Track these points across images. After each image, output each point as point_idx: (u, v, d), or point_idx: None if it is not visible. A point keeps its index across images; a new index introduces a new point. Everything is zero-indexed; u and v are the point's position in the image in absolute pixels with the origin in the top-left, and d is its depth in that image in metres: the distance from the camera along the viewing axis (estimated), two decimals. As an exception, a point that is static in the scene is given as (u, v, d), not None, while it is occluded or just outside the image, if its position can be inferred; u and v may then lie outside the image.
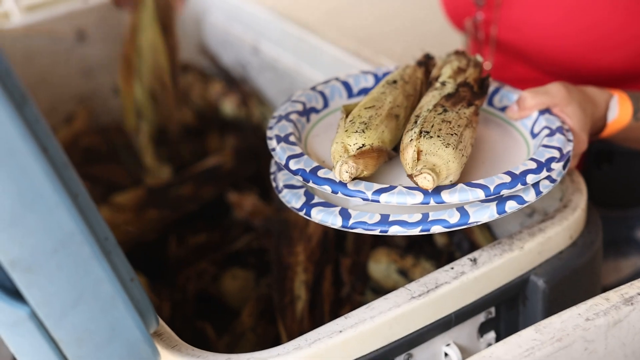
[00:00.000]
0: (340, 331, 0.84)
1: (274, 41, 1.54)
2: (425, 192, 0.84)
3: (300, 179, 0.89)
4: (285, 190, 0.94)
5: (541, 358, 0.77)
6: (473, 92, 0.96)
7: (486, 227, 1.16)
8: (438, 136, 0.86)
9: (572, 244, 0.97)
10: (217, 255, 1.32)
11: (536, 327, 0.80)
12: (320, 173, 0.89)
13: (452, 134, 0.87)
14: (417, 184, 0.83)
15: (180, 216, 1.40)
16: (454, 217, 0.85)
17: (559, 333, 0.79)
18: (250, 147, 1.50)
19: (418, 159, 0.85)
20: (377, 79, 1.08)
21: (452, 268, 0.90)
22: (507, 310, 0.96)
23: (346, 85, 1.07)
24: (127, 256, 1.15)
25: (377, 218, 0.86)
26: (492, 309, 0.94)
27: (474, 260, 0.91)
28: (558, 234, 0.95)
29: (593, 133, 1.07)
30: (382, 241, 1.20)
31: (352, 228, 0.87)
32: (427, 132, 0.87)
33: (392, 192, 0.84)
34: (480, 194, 0.84)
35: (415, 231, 0.85)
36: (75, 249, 0.63)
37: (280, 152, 0.92)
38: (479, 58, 1.03)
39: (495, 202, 0.86)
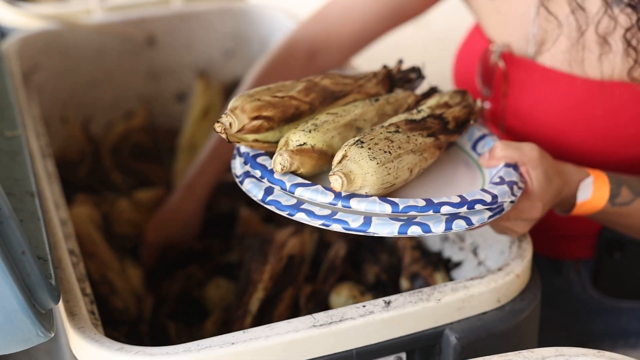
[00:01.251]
0: (233, 343, 0.88)
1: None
2: (337, 194, 0.88)
3: (243, 160, 0.95)
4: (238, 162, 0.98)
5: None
6: (443, 127, 0.98)
7: (448, 276, 1.16)
8: (369, 148, 0.89)
9: (499, 307, 0.97)
10: (208, 263, 1.38)
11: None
12: (260, 159, 0.94)
13: (385, 152, 0.90)
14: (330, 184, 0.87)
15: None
16: (355, 222, 0.88)
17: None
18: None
19: (340, 162, 0.88)
20: None
21: (364, 306, 0.93)
22: (420, 358, 0.97)
23: None
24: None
25: (292, 202, 0.90)
26: (403, 355, 0.95)
27: (388, 303, 0.93)
28: (482, 295, 0.95)
29: (561, 209, 1.07)
30: (350, 277, 1.23)
31: (267, 204, 0.91)
32: (362, 142, 0.90)
33: (308, 188, 0.89)
34: (387, 208, 0.87)
35: (316, 223, 0.88)
36: None
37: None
38: (478, 103, 1.05)
39: (400, 223, 0.88)
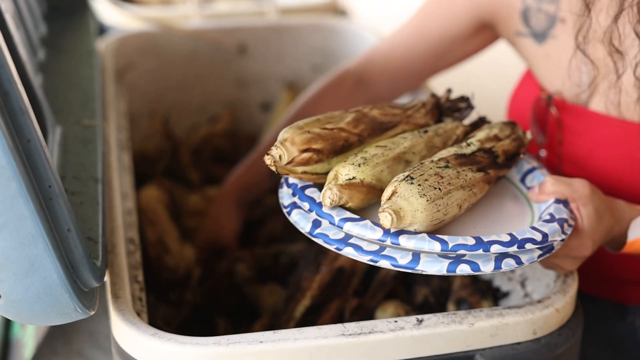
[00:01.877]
0: (261, 342, 0.90)
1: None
2: (386, 230, 0.88)
3: (291, 191, 0.97)
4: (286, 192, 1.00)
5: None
6: (493, 161, 0.98)
7: (495, 305, 1.16)
8: (419, 184, 0.89)
9: (535, 340, 0.96)
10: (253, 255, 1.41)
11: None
12: (308, 191, 0.95)
13: (435, 188, 0.90)
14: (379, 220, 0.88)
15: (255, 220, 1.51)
16: (404, 259, 0.88)
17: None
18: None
19: (389, 198, 0.89)
20: None
21: (396, 321, 0.93)
22: (449, 382, 0.96)
23: None
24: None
25: (340, 236, 0.91)
26: (432, 375, 0.95)
27: (420, 321, 0.93)
28: (518, 324, 0.95)
29: (611, 247, 1.05)
30: (400, 296, 1.24)
31: (315, 237, 0.92)
32: (412, 178, 0.90)
33: (356, 223, 0.89)
34: (436, 246, 0.87)
35: (364, 259, 0.89)
36: (3, 182, 0.74)
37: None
38: (528, 135, 1.05)
39: (449, 260, 0.88)
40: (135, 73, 1.74)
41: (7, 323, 1.54)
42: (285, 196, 0.99)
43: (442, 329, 0.93)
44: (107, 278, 1.02)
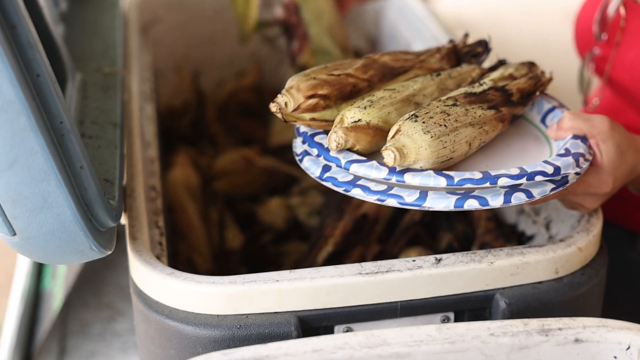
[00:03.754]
0: (277, 280, 0.90)
1: (423, 41, 1.59)
2: (392, 169, 0.87)
3: (302, 139, 0.96)
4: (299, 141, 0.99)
5: (428, 353, 0.78)
6: (507, 99, 0.96)
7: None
8: (423, 122, 0.88)
9: (556, 279, 0.94)
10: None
11: (439, 326, 0.80)
12: (317, 138, 0.94)
13: (440, 125, 0.89)
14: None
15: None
16: (411, 197, 0.87)
17: (455, 337, 0.79)
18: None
19: (393, 137, 0.88)
20: None
21: (414, 260, 0.92)
22: (469, 320, 0.95)
23: None
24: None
25: (348, 178, 0.90)
26: (451, 315, 0.94)
27: (439, 260, 0.92)
28: (539, 263, 0.93)
29: (635, 187, 1.02)
30: (424, 243, 1.22)
31: (325, 180, 0.92)
32: (416, 116, 0.89)
33: (362, 164, 0.88)
34: (442, 181, 0.86)
35: (372, 199, 0.88)
36: (12, 116, 0.74)
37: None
38: (547, 74, 1.03)
39: (456, 196, 0.87)
40: (161, 28, 1.73)
41: (39, 275, 1.55)
42: (297, 145, 0.99)
43: (461, 267, 0.92)
44: (126, 222, 1.02)
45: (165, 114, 1.66)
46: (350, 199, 1.26)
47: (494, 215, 1.21)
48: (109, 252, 0.90)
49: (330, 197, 1.31)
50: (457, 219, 1.24)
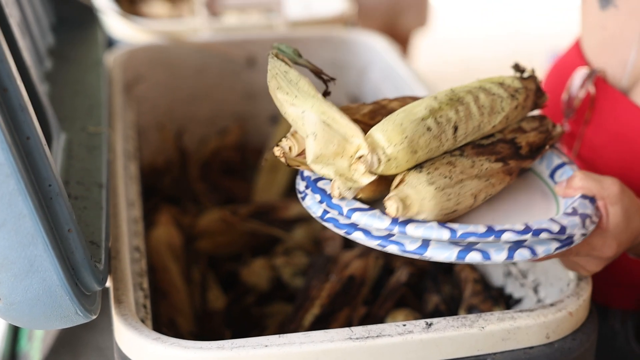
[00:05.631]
0: (266, 346, 0.88)
1: (406, 102, 1.60)
2: (394, 219, 0.85)
3: (305, 183, 0.94)
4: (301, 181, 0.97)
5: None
6: (515, 152, 0.95)
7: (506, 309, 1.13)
8: (428, 172, 0.87)
9: (547, 344, 0.93)
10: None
11: (432, 395, 0.79)
12: (320, 183, 0.92)
13: (446, 176, 0.87)
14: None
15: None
16: (412, 245, 0.85)
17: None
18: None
19: (397, 187, 0.87)
20: None
21: (404, 325, 0.91)
22: (460, 388, 0.94)
23: None
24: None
25: (349, 220, 0.88)
26: (442, 380, 0.93)
27: (429, 325, 0.91)
28: (530, 328, 0.92)
29: (635, 252, 1.02)
30: (410, 304, 1.21)
31: (326, 221, 0.90)
32: (421, 167, 0.88)
33: (365, 213, 0.86)
34: (445, 234, 0.84)
35: (373, 244, 0.86)
36: (1, 179, 0.73)
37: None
38: (558, 129, 1.02)
39: (459, 248, 0.85)
40: (144, 86, 1.73)
41: (14, 337, 1.52)
42: (300, 182, 0.97)
43: (452, 332, 0.90)
44: (110, 284, 1.00)
45: (147, 171, 1.65)
46: (336, 259, 1.25)
47: (481, 277, 1.20)
48: (94, 317, 0.88)
49: (316, 257, 1.30)
50: (444, 281, 1.24)
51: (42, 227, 0.77)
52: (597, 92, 1.11)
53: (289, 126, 1.72)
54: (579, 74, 1.13)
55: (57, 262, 0.79)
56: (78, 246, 0.82)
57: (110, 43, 1.87)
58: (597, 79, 1.12)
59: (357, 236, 0.87)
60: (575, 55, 1.20)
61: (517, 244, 0.86)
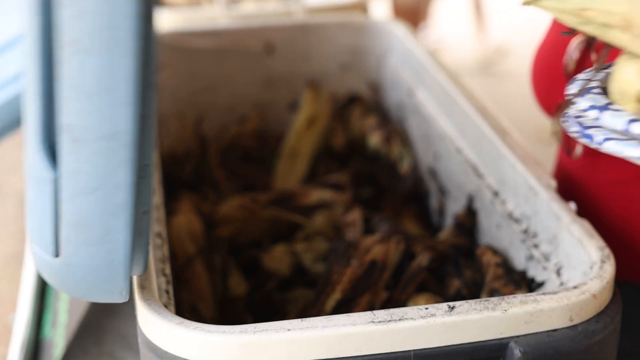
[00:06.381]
0: (289, 329, 0.88)
1: (426, 86, 1.59)
2: None
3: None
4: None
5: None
6: None
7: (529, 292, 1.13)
8: None
9: (571, 326, 0.93)
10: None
11: (456, 377, 0.79)
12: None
13: None
14: None
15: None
16: None
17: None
18: (371, 174, 1.57)
19: None
20: None
21: (427, 308, 0.91)
22: (483, 370, 0.94)
23: None
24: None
25: None
26: (465, 364, 0.93)
27: (452, 308, 0.91)
28: (553, 311, 0.92)
29: None
30: (432, 289, 1.21)
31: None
32: None
33: None
34: None
35: None
36: (117, 147, 0.72)
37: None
38: None
39: None
40: (164, 74, 1.74)
41: (38, 323, 1.53)
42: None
43: (475, 315, 0.90)
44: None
45: (167, 159, 1.65)
46: (357, 245, 1.25)
47: (503, 261, 1.20)
48: (126, 299, 0.89)
49: (337, 243, 1.30)
50: (465, 265, 1.23)
51: (132, 202, 0.76)
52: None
53: (308, 113, 1.74)
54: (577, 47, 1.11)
55: (129, 240, 0.79)
56: (147, 228, 0.82)
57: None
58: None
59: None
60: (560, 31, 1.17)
61: None
